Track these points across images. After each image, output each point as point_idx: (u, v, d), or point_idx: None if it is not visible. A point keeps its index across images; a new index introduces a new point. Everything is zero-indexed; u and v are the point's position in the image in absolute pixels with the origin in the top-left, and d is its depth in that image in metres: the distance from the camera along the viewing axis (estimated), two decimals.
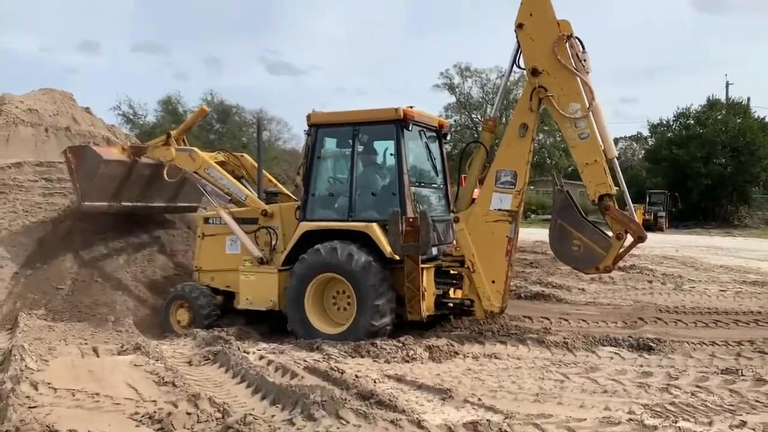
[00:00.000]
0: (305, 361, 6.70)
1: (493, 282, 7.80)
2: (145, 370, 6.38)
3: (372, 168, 8.72)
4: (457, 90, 57.76)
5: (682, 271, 14.75)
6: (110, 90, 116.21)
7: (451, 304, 8.34)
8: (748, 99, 41.06)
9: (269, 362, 6.67)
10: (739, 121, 37.78)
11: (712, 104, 39.83)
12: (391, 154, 8.25)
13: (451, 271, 8.36)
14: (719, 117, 38.61)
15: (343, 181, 8.51)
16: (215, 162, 9.55)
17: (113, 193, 9.78)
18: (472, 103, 57.72)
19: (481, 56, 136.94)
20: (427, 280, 7.95)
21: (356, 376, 6.02)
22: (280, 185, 10.20)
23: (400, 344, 7.21)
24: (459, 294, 8.43)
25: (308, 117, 8.51)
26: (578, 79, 7.49)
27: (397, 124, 8.05)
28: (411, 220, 7.59)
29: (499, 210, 7.77)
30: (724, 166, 36.43)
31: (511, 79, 9.36)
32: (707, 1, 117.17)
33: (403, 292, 7.77)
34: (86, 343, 7.66)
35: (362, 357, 6.96)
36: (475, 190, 8.25)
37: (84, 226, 10.29)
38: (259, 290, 8.50)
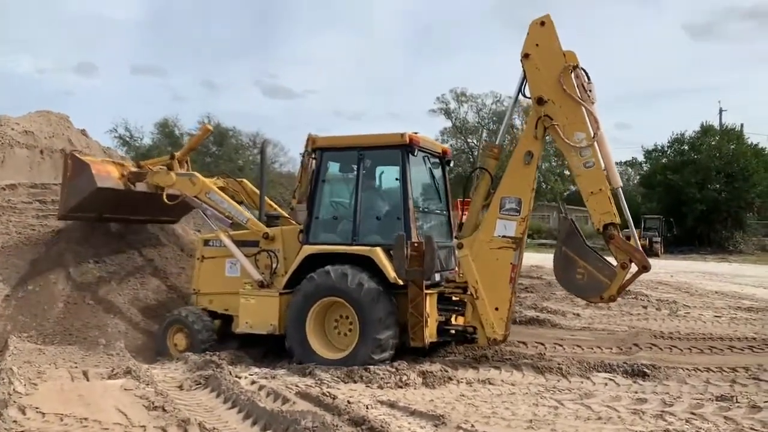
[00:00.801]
0: (297, 386, 6.64)
1: (497, 309, 7.76)
2: (135, 394, 6.32)
3: (376, 192, 8.73)
4: (453, 115, 58.21)
5: (677, 296, 14.74)
6: (107, 112, 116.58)
7: (453, 331, 8.24)
8: (741, 125, 41.59)
9: (261, 387, 6.61)
10: (732, 147, 38.13)
11: (705, 130, 40.22)
12: (397, 179, 8.22)
13: (453, 298, 8.32)
14: (713, 143, 38.96)
15: (347, 205, 8.49)
16: (215, 187, 9.54)
17: (97, 211, 9.83)
18: (467, 127, 58.08)
19: (476, 82, 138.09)
20: (430, 306, 7.88)
21: (348, 401, 5.96)
22: (280, 209, 10.19)
23: (394, 369, 7.16)
24: (460, 321, 8.37)
25: (312, 140, 8.51)
26: (583, 108, 7.59)
27: (403, 149, 8.07)
28: (416, 244, 7.57)
29: (504, 237, 7.78)
30: (718, 192, 36.62)
31: (506, 105, 9.45)
32: (700, 28, 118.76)
33: (406, 318, 7.71)
34: (76, 367, 7.58)
35: (355, 382, 6.90)
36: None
37: (77, 249, 10.25)
38: (259, 314, 8.39)
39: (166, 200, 9.40)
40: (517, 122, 53.56)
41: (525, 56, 7.76)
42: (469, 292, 7.90)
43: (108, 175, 9.56)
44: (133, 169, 9.93)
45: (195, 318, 8.79)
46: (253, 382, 6.82)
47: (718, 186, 36.71)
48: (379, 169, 8.74)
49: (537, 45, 7.71)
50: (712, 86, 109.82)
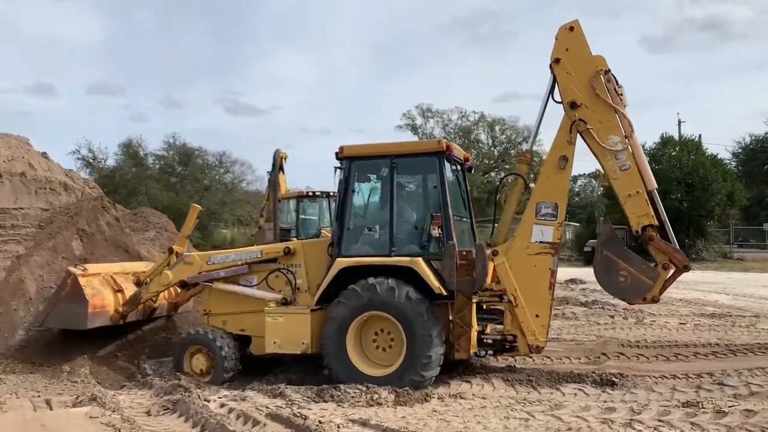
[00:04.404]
0: (267, 407, 6.55)
1: (537, 316, 7.72)
2: (101, 422, 6.18)
3: (412, 201, 8.60)
4: (419, 130, 58.61)
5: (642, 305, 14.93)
6: (67, 133, 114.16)
7: (491, 341, 8.02)
8: (700, 136, 42.54)
9: (230, 410, 6.51)
10: (692, 157, 38.95)
11: (665, 141, 41.00)
12: (434, 187, 8.04)
13: (484, 307, 8.21)
14: (673, 154, 39.75)
15: (382, 215, 8.23)
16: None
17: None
18: None
19: (438, 97, 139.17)
20: (473, 316, 7.71)
21: (320, 421, 5.91)
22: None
23: (365, 388, 7.12)
24: (488, 329, 8.28)
25: (341, 149, 8.20)
26: (616, 112, 7.69)
27: (440, 156, 7.92)
28: (465, 253, 7.43)
29: (541, 242, 7.79)
30: (679, 201, 37.32)
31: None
32: (655, 42, 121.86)
33: (447, 330, 7.57)
34: (39, 396, 7.38)
35: (326, 402, 6.84)
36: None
37: (38, 274, 10.00)
38: (289, 332, 7.93)
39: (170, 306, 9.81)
40: (482, 136, 54.23)
41: (555, 61, 7.88)
42: (506, 300, 7.82)
43: (102, 309, 8.89)
44: (128, 295, 9.17)
45: (223, 342, 8.26)
46: (222, 405, 6.72)
47: (679, 195, 37.42)
48: (413, 177, 8.61)
49: (567, 50, 7.84)
50: (670, 98, 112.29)
